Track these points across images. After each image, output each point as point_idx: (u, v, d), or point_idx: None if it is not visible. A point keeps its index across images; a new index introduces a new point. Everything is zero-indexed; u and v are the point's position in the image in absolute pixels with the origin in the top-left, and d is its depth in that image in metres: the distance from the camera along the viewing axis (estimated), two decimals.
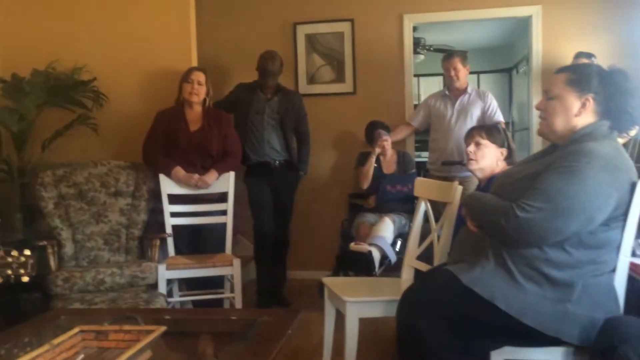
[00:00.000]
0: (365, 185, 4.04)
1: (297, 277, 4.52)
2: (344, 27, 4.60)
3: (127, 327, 1.60)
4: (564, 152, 1.84)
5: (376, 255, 3.48)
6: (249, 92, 3.96)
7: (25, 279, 2.04)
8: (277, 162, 3.95)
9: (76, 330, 1.59)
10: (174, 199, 3.45)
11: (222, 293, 3.47)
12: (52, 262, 3.15)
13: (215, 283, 3.49)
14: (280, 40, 4.61)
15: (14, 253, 2.03)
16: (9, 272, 2.01)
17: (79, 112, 3.68)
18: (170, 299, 3.25)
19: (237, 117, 3.91)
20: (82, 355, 1.54)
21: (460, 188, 2.48)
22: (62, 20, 3.83)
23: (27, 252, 2.06)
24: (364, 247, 3.49)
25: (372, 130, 4.15)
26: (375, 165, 4.05)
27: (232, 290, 3.34)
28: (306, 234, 4.55)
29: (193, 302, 3.46)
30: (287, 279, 4.23)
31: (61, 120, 3.65)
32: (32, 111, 3.46)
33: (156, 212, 3.49)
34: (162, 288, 3.13)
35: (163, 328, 1.59)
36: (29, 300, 3.41)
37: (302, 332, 3.14)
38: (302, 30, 4.67)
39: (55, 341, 1.50)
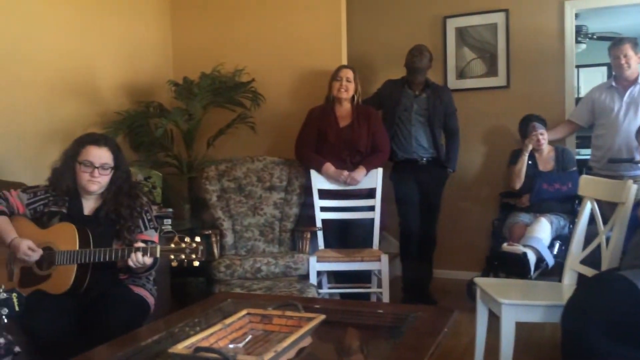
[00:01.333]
0: (518, 185, 3.83)
1: (443, 276, 4.44)
2: (498, 18, 4.40)
3: (289, 313, 1.69)
4: None
5: (532, 257, 3.29)
6: (397, 89, 3.95)
7: (196, 263, 2.24)
8: (425, 159, 3.90)
9: (244, 312, 1.71)
10: (324, 194, 3.56)
11: (369, 287, 3.51)
12: (216, 250, 3.42)
13: (361, 277, 3.54)
14: (429, 35, 4.54)
15: (187, 240, 2.24)
16: (183, 256, 2.22)
17: (239, 112, 3.95)
18: (320, 290, 3.36)
19: (385, 114, 3.93)
20: (250, 336, 1.65)
21: (635, 187, 2.26)
22: (225, 27, 4.15)
23: (198, 239, 2.25)
24: (518, 248, 3.32)
25: (526, 124, 3.92)
26: (530, 162, 3.82)
27: (379, 285, 3.37)
28: (453, 233, 4.43)
29: (341, 294, 3.54)
30: (433, 277, 4.16)
31: (223, 120, 3.95)
32: (199, 111, 3.79)
33: (307, 206, 3.63)
34: (313, 279, 3.26)
35: (322, 316, 1.65)
36: (195, 283, 3.74)
37: (450, 332, 3.07)
38: (453, 24, 4.56)
39: (227, 321, 1.62)
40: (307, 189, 3.62)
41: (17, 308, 1.71)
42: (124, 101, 3.85)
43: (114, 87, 3.80)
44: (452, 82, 4.53)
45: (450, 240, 4.39)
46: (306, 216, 3.64)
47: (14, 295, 1.71)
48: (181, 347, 1.43)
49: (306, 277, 3.28)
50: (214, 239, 3.41)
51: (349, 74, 3.60)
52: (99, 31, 3.67)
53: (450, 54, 4.57)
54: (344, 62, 3.94)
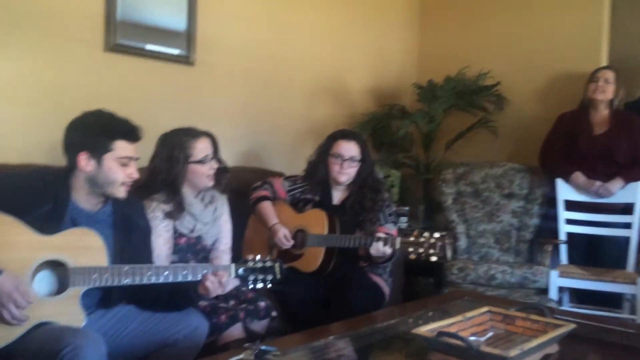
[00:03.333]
0: None
1: None
2: None
3: (534, 317, 1.61)
4: None
5: None
6: None
7: (434, 258, 2.27)
8: None
9: (485, 309, 1.68)
10: (571, 205, 3.29)
11: (620, 313, 3.13)
12: (448, 252, 3.41)
13: (607, 301, 3.17)
14: None
15: (426, 234, 2.28)
16: (421, 250, 2.27)
17: (480, 116, 3.88)
18: (560, 308, 3.11)
19: None
20: (491, 333, 1.62)
21: None
22: (473, 30, 4.11)
23: (437, 234, 2.29)
24: None
25: None
26: None
27: (632, 312, 2.98)
28: None
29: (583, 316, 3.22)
30: None
31: (463, 123, 3.92)
32: (440, 114, 3.82)
33: (548, 217, 3.39)
34: (553, 294, 3.04)
35: (572, 325, 1.53)
36: (424, 284, 3.79)
37: None
38: None
39: (468, 314, 1.61)
40: (549, 199, 3.39)
41: (278, 276, 1.94)
42: (370, 103, 4.08)
43: (361, 90, 4.06)
44: None
45: None
46: (547, 228, 3.40)
47: (277, 265, 1.95)
48: (424, 330, 1.47)
49: (544, 291, 3.07)
50: (447, 242, 3.39)
51: (608, 74, 3.27)
52: (350, 38, 3.96)
53: None
54: (604, 63, 3.58)
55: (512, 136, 3.90)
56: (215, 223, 2.36)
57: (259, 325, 2.23)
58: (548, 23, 3.77)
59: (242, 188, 2.77)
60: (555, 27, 3.73)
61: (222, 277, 1.83)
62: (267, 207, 2.66)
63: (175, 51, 2.99)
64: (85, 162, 1.76)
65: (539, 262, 3.24)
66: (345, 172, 2.63)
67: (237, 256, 2.38)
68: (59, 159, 1.85)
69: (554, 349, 1.53)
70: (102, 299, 1.87)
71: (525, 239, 3.45)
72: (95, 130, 1.77)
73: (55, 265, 1.69)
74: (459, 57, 3.97)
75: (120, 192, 1.82)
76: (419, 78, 4.16)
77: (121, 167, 1.79)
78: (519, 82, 3.85)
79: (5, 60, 2.44)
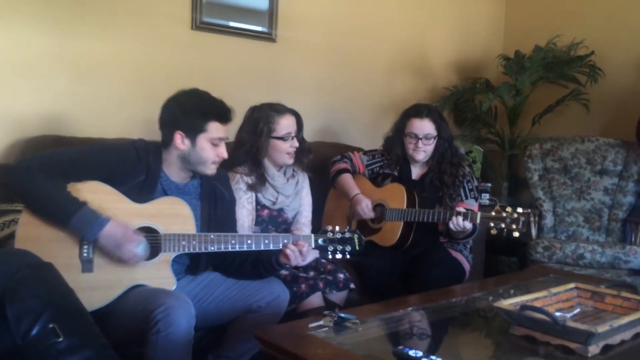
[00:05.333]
0: None
1: None
2: None
3: (626, 294, 1.53)
4: None
5: None
6: None
7: (516, 234, 2.20)
8: None
9: (571, 285, 1.62)
10: None
11: None
12: (533, 231, 3.29)
13: None
14: None
15: (509, 209, 2.21)
16: (503, 225, 2.21)
17: (572, 88, 3.67)
18: None
19: None
20: (578, 310, 1.56)
21: None
22: None
23: (520, 209, 2.21)
24: None
25: None
26: None
27: None
28: None
29: None
30: None
31: (553, 96, 3.73)
32: (527, 87, 3.65)
33: None
34: None
35: None
36: (506, 262, 3.69)
37: None
38: None
39: (553, 290, 1.56)
40: None
41: (357, 247, 1.95)
42: (452, 77, 3.97)
43: (444, 63, 3.95)
44: None
45: None
46: None
47: (356, 236, 1.96)
48: (506, 304, 1.44)
49: (637, 272, 2.90)
50: (532, 219, 3.28)
51: None
52: (434, 9, 3.85)
53: None
54: None
55: (606, 110, 3.67)
56: (297, 196, 2.41)
57: (337, 297, 2.26)
58: None
59: (320, 163, 2.79)
60: None
61: (302, 247, 1.88)
62: (348, 179, 2.68)
63: (257, 28, 3.05)
64: (180, 140, 1.84)
65: (632, 242, 3.06)
66: (421, 150, 2.58)
67: (317, 230, 2.42)
68: (152, 134, 1.95)
69: None
70: (190, 266, 1.97)
71: (617, 218, 3.27)
72: (192, 111, 1.83)
73: (148, 232, 1.79)
74: (549, 25, 3.76)
75: (210, 170, 1.90)
76: (505, 49, 3.99)
77: (212, 147, 1.86)
78: (615, 51, 3.60)
79: (101, 40, 2.59)
